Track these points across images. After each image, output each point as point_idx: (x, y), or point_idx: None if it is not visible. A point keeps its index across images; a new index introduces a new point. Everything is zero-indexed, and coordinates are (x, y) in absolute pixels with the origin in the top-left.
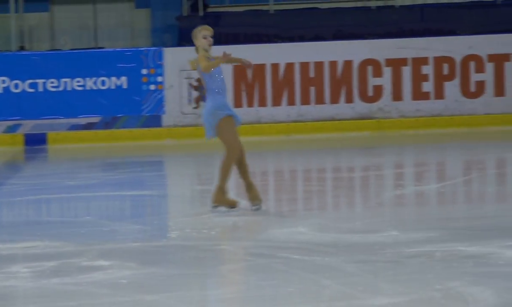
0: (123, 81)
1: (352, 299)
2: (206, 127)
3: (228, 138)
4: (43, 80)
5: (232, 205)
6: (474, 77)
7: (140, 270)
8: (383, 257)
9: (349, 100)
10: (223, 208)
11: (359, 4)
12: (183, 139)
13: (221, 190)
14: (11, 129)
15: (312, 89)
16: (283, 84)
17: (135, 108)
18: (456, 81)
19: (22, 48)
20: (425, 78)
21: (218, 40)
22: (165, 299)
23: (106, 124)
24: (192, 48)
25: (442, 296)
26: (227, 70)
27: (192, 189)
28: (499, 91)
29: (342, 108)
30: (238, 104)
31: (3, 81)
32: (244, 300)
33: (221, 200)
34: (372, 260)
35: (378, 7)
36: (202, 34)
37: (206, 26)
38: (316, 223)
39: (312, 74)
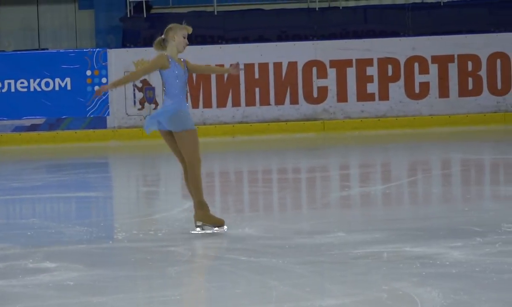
0: (67, 82)
1: (299, 300)
2: (152, 121)
3: (193, 151)
4: None
5: (218, 224)
6: (418, 78)
7: (86, 272)
8: (330, 258)
9: (294, 101)
10: (208, 229)
11: (303, 5)
12: (128, 140)
13: (201, 205)
14: None
15: (257, 91)
16: (228, 85)
17: (79, 110)
18: (401, 82)
19: None
20: (369, 79)
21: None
22: (112, 301)
23: (51, 126)
24: (136, 49)
25: (389, 297)
26: None
27: (138, 191)
28: (443, 92)
29: (287, 110)
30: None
31: None
32: (191, 302)
33: (205, 216)
34: (319, 261)
35: (322, 9)
36: (183, 33)
37: (188, 27)
38: (263, 225)
39: (256, 75)
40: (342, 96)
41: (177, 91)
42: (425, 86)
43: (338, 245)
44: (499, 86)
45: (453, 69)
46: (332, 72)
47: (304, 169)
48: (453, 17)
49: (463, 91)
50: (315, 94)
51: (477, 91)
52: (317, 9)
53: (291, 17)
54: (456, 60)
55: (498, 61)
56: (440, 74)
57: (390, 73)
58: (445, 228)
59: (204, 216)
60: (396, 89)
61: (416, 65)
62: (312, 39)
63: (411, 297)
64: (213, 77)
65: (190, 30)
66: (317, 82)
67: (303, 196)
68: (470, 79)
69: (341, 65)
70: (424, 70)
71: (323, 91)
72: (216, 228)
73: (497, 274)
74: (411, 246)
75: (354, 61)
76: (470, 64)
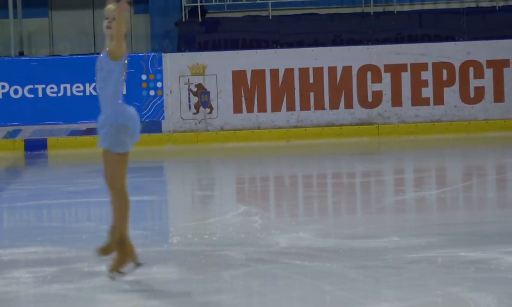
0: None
1: (353, 304)
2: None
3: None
4: (42, 86)
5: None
6: (473, 83)
7: (142, 275)
8: (384, 263)
9: (349, 105)
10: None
11: (357, 9)
12: (183, 144)
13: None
14: (11, 135)
15: (312, 95)
16: (283, 89)
17: None
18: (455, 87)
19: (21, 54)
20: (424, 83)
21: (218, 46)
22: (167, 304)
23: None
24: (191, 54)
25: (443, 301)
26: (226, 75)
27: (193, 195)
28: (499, 97)
29: (341, 114)
30: (238, 110)
31: (3, 87)
32: (246, 306)
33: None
34: (374, 265)
35: (376, 13)
36: (104, 14)
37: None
38: (317, 229)
39: (311, 80)
40: (396, 101)
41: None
42: (480, 91)
43: (392, 250)
44: None
45: (508, 74)
46: (386, 77)
47: (358, 174)
48: (508, 21)
49: None
50: (369, 99)
51: None
52: (371, 13)
53: (345, 21)
54: (511, 65)
55: None
56: (495, 78)
57: (445, 77)
58: (500, 233)
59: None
60: (451, 93)
61: (471, 69)
62: (367, 44)
63: (465, 302)
64: (268, 81)
65: (106, 9)
66: (371, 87)
67: (357, 201)
68: None
69: (395, 70)
70: (479, 74)
71: (377, 95)
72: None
73: None
74: (466, 251)
75: (408, 66)
76: None
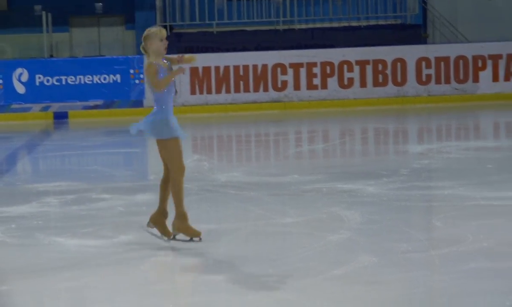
0: (118, 77)
1: (269, 219)
2: (134, 127)
3: (175, 159)
4: (65, 77)
5: (195, 235)
6: (347, 75)
7: (131, 200)
8: (289, 192)
9: (266, 89)
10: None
11: (272, 27)
12: None
13: (182, 216)
14: (44, 109)
15: (241, 83)
16: (223, 79)
17: (126, 95)
18: (335, 77)
19: (51, 56)
20: (315, 75)
21: (181, 51)
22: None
23: (107, 106)
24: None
25: (327, 217)
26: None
27: None
28: (363, 84)
29: (261, 95)
30: (193, 92)
31: (39, 77)
32: (198, 219)
33: (183, 227)
34: (282, 193)
35: (284, 30)
36: (160, 36)
37: (161, 28)
38: (245, 170)
39: (241, 72)
40: (297, 86)
41: (166, 99)
42: (351, 80)
43: (294, 183)
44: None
45: (369, 70)
46: (290, 71)
47: (271, 134)
48: (369, 35)
49: (376, 83)
50: (279, 85)
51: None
52: (281, 29)
53: (264, 35)
54: (371, 62)
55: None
56: (361, 72)
57: (328, 72)
58: (364, 172)
59: (183, 227)
60: (332, 82)
61: (345, 66)
62: (278, 49)
63: (341, 217)
64: (213, 74)
65: (163, 32)
66: (281, 77)
67: (271, 151)
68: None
69: (296, 66)
70: (350, 69)
71: (284, 83)
72: (196, 239)
73: (397, 202)
74: (342, 183)
75: (305, 64)
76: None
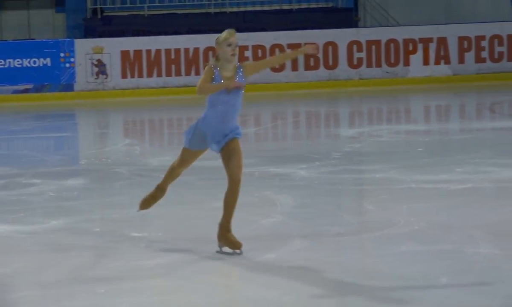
0: (48, 61)
1: (199, 203)
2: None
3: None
4: None
5: (236, 247)
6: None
7: (62, 185)
8: (221, 176)
9: (197, 73)
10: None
11: (203, 10)
12: (87, 99)
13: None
14: None
15: (173, 66)
16: (154, 63)
17: (56, 79)
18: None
19: None
20: (246, 59)
21: (111, 34)
22: (80, 205)
23: (37, 90)
24: (93, 39)
25: (259, 201)
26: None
27: (94, 132)
28: (295, 67)
29: (193, 79)
30: (124, 76)
31: None
32: (130, 204)
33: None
34: (214, 178)
35: (216, 13)
36: (228, 41)
37: (232, 31)
38: (177, 154)
39: (173, 56)
40: None
41: (211, 109)
42: (282, 64)
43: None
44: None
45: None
46: None
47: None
48: (301, 19)
49: (308, 66)
50: None
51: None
52: (212, 13)
53: (195, 18)
54: (303, 44)
55: None
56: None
57: (260, 55)
58: (295, 155)
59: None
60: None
61: (277, 50)
62: (210, 33)
63: (273, 201)
64: (144, 57)
65: (233, 35)
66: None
67: None
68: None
69: None
70: (264, 55)
71: None
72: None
73: (328, 185)
74: (274, 167)
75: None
76: None
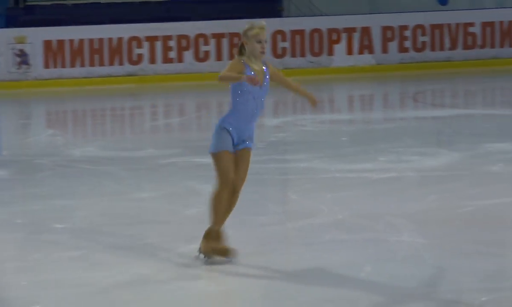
0: None
1: (125, 194)
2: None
3: (221, 173)
4: None
5: (223, 254)
6: (203, 48)
7: None
8: (145, 166)
9: (121, 63)
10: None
11: (127, 0)
12: (10, 89)
13: (211, 234)
14: None
15: (96, 56)
16: (77, 52)
17: None
18: (191, 51)
19: None
20: (170, 49)
21: (34, 24)
22: (3, 196)
23: None
24: (16, 29)
25: (184, 191)
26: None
27: (17, 123)
28: (219, 57)
29: (116, 69)
30: (47, 66)
31: None
32: (52, 195)
33: (210, 247)
34: (138, 168)
35: (140, 2)
36: (258, 37)
37: (262, 25)
38: (100, 144)
39: (96, 46)
40: (152, 60)
41: (241, 105)
42: (207, 53)
43: (150, 157)
44: None
45: (225, 43)
46: (146, 45)
47: (127, 108)
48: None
49: (232, 56)
50: (135, 58)
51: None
52: (137, 2)
53: (119, 7)
54: (226, 35)
55: None
56: (217, 45)
57: (184, 44)
58: None
59: (210, 248)
60: (188, 55)
61: (201, 40)
62: (133, 22)
63: (198, 191)
64: (67, 48)
65: (262, 34)
66: (136, 51)
67: (126, 126)
68: None
69: (152, 40)
70: (206, 43)
71: (140, 56)
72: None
73: (253, 175)
74: (198, 157)
75: (160, 37)
76: None
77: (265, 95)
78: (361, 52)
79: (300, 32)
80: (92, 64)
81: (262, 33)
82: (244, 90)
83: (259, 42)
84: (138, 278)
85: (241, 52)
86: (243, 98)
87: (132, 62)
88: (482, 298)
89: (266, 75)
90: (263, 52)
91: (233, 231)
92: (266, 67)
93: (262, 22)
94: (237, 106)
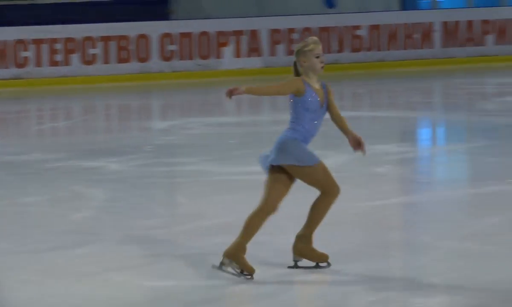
0: None
1: (10, 199)
2: (263, 157)
3: (324, 181)
4: None
5: (249, 271)
6: (90, 51)
7: None
8: (30, 170)
9: (6, 66)
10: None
11: (12, 2)
12: None
13: (240, 247)
14: None
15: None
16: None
17: None
18: (78, 54)
19: None
20: (57, 52)
21: None
22: None
23: None
24: None
25: (70, 195)
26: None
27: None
28: (107, 60)
29: (1, 72)
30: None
31: None
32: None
33: (239, 259)
34: (23, 172)
35: (26, 4)
36: (314, 52)
37: (317, 40)
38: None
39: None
40: (38, 63)
41: (304, 124)
42: (94, 57)
43: (36, 162)
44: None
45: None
46: (32, 47)
47: (12, 111)
48: (121, 11)
49: (120, 59)
50: (21, 61)
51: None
52: (23, 4)
53: (3, 10)
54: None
55: None
56: (104, 48)
57: (71, 47)
58: (107, 149)
59: (239, 260)
60: (75, 58)
61: (88, 43)
62: (19, 25)
63: (84, 195)
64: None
65: (319, 48)
66: (21, 54)
67: (11, 129)
68: None
69: (37, 42)
70: (93, 46)
71: (26, 59)
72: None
73: (140, 178)
74: (84, 161)
75: (47, 40)
76: None
77: (322, 115)
78: (249, 55)
79: (188, 35)
80: None
81: (318, 47)
82: (309, 109)
83: (317, 57)
84: (26, 284)
85: (296, 72)
86: (305, 116)
87: (18, 65)
88: (369, 298)
89: (325, 95)
90: (323, 67)
91: (119, 235)
92: (326, 89)
93: (314, 37)
94: (304, 125)
